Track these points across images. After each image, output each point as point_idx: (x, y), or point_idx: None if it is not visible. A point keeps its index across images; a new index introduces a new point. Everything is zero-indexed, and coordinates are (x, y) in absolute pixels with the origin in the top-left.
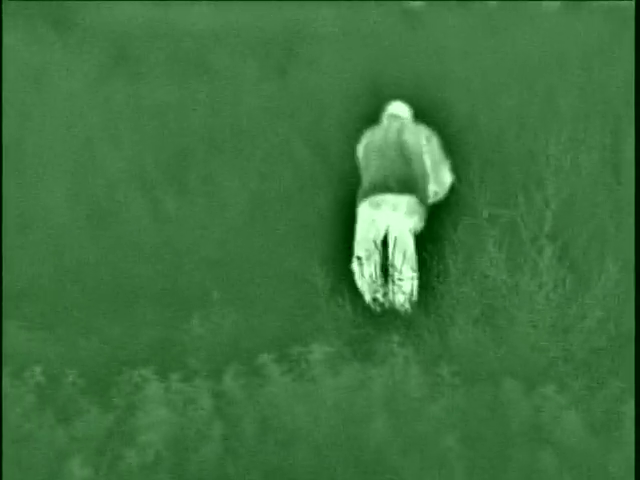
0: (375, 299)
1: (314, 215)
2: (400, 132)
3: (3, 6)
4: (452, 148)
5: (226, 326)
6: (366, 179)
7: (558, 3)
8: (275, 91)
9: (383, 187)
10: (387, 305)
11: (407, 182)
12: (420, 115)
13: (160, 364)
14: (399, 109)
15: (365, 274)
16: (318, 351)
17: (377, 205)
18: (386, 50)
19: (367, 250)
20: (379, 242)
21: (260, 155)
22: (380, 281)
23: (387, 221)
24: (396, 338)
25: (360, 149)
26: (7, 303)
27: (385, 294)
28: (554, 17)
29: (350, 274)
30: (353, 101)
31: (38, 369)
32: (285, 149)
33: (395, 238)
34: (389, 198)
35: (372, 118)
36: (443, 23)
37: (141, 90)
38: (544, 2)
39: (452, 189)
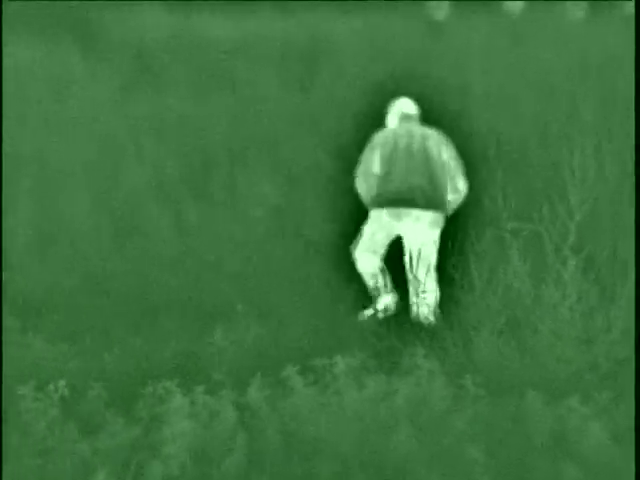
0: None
1: (337, 225)
2: (424, 139)
3: (8, 9)
4: (475, 159)
5: (250, 338)
6: (387, 187)
7: (582, 13)
8: (297, 102)
9: (410, 201)
10: (380, 314)
11: (433, 197)
12: (443, 126)
13: (184, 376)
14: (409, 107)
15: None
16: (342, 363)
17: (398, 216)
18: (409, 61)
19: (372, 253)
20: (384, 249)
21: (283, 166)
22: (386, 288)
23: (406, 232)
24: (421, 350)
25: (375, 150)
26: (31, 316)
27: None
28: (577, 26)
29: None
30: (375, 112)
31: (62, 382)
32: (308, 160)
33: (419, 250)
34: (414, 212)
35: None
36: (465, 34)
37: (164, 101)
38: (567, 12)
39: (470, 198)
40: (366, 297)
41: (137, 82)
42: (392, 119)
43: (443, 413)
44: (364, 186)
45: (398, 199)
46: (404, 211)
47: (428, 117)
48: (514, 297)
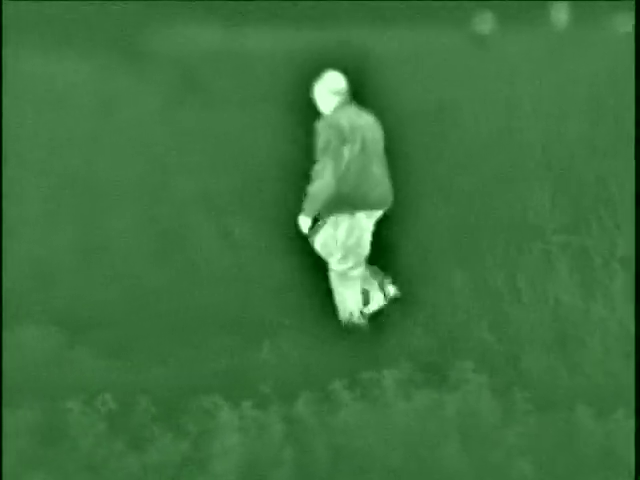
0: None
1: (383, 242)
2: (377, 129)
3: (54, 25)
4: (521, 173)
5: (297, 352)
6: (370, 190)
7: (629, 26)
8: None
9: (386, 202)
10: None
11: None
12: (491, 139)
13: (232, 391)
14: (339, 82)
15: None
16: (390, 376)
17: (371, 216)
18: (455, 74)
19: (358, 258)
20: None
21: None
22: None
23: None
24: (469, 364)
25: (346, 144)
26: (77, 330)
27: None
28: (623, 39)
29: (422, 299)
30: (422, 124)
31: (109, 396)
32: None
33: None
34: (380, 212)
35: (441, 143)
36: (512, 47)
37: (210, 116)
38: (614, 25)
39: (517, 212)
40: (414, 311)
41: (183, 97)
42: (325, 97)
43: (492, 427)
44: (343, 189)
45: (379, 202)
46: (378, 213)
47: (476, 131)
48: (562, 311)
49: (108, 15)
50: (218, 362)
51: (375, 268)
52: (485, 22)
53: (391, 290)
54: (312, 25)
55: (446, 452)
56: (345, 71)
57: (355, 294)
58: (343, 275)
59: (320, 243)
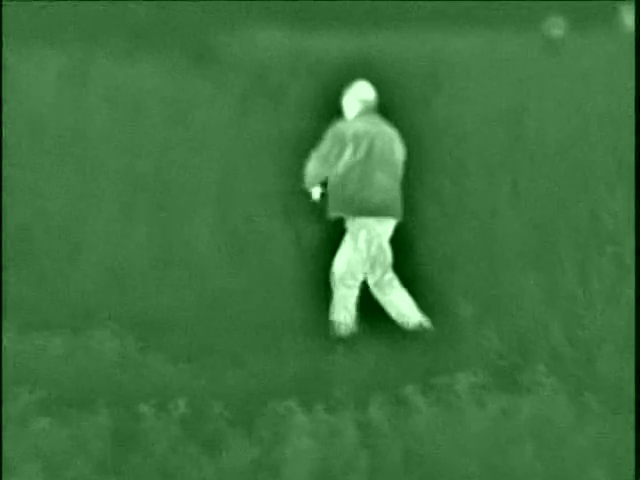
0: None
1: (456, 245)
2: (392, 141)
3: (130, 32)
4: (594, 175)
5: (371, 357)
6: (372, 195)
7: None
8: (418, 120)
9: (393, 211)
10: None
11: (400, 207)
12: (562, 143)
13: (305, 395)
14: (367, 92)
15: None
16: (463, 381)
17: (382, 223)
18: (527, 78)
19: (390, 270)
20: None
21: (404, 187)
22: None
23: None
24: (542, 368)
25: (347, 146)
26: (151, 334)
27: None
28: None
29: (495, 303)
30: (495, 129)
31: (183, 401)
32: (426, 178)
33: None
34: (393, 221)
35: (515, 146)
36: (584, 50)
37: (282, 120)
38: None
39: (589, 215)
40: (487, 315)
41: (256, 103)
42: (351, 105)
43: (566, 431)
44: (347, 191)
45: (385, 207)
46: (389, 221)
47: (548, 135)
48: (635, 314)
49: (181, 20)
50: (292, 366)
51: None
52: (556, 26)
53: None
54: (385, 31)
55: (519, 457)
56: (420, 76)
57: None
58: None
59: (343, 262)
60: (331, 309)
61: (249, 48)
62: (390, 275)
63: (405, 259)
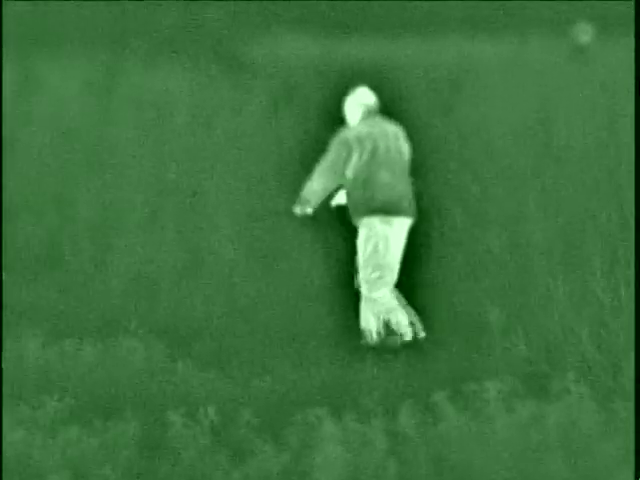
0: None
1: (484, 252)
2: (396, 138)
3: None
4: (623, 182)
5: (399, 365)
6: (375, 194)
7: None
8: (444, 126)
9: (399, 208)
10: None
11: (412, 204)
12: (590, 149)
13: (334, 403)
14: (368, 97)
15: (382, 298)
16: (492, 388)
17: (389, 223)
18: (553, 85)
19: (382, 270)
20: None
21: (430, 194)
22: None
23: (400, 240)
24: (571, 375)
25: (353, 152)
26: (180, 342)
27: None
28: None
29: (523, 310)
30: (520, 136)
31: (212, 409)
32: (454, 184)
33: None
34: (405, 221)
35: (541, 152)
36: (611, 57)
37: (309, 127)
38: None
39: (618, 221)
40: (516, 323)
41: (283, 110)
42: (353, 111)
43: (594, 438)
44: (355, 194)
45: (390, 206)
46: (397, 220)
47: (577, 143)
48: None
49: (209, 27)
50: (321, 375)
51: (406, 305)
52: (585, 32)
53: (419, 330)
54: (411, 36)
55: (548, 463)
56: (443, 83)
57: (376, 318)
58: (369, 298)
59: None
60: (360, 316)
61: (277, 55)
62: (378, 274)
63: (433, 266)
